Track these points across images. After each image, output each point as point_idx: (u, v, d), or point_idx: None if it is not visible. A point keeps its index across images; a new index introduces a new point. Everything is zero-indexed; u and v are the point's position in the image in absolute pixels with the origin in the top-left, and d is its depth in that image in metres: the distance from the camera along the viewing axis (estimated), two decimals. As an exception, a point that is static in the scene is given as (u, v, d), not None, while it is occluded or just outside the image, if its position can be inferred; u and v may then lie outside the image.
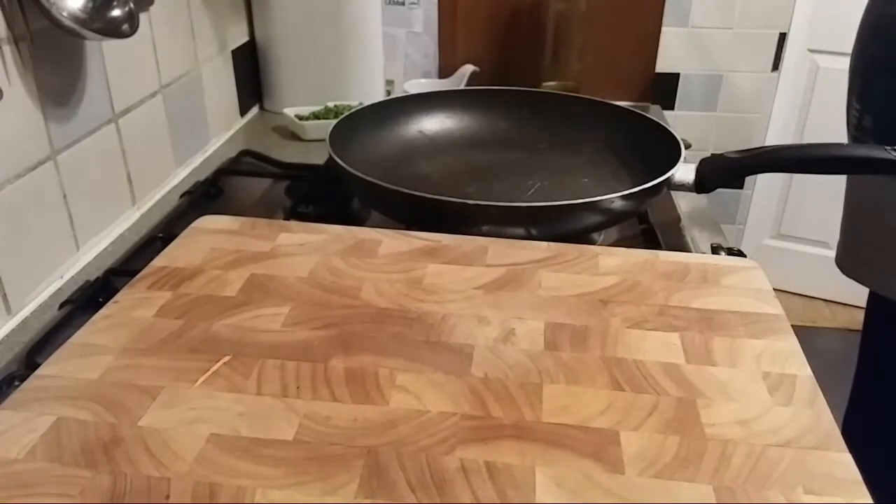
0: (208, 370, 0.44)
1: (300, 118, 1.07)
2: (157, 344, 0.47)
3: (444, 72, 1.35)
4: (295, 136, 1.08)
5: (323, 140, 0.75)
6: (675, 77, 1.60)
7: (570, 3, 1.22)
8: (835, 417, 0.41)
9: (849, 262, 0.93)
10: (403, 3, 1.29)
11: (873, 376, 0.96)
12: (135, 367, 0.44)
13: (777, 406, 0.42)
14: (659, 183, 0.66)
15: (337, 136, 0.75)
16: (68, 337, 0.48)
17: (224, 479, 0.36)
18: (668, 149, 0.73)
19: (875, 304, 0.94)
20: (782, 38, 1.60)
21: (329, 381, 0.43)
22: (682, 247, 0.75)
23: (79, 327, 0.49)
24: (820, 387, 0.43)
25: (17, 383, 0.48)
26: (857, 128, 0.83)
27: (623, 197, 0.65)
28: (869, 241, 0.89)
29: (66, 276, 0.69)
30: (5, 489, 0.36)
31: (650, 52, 1.40)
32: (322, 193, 0.83)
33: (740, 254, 0.69)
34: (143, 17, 0.78)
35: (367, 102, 0.89)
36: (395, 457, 0.38)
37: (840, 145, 0.67)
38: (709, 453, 0.38)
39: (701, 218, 0.83)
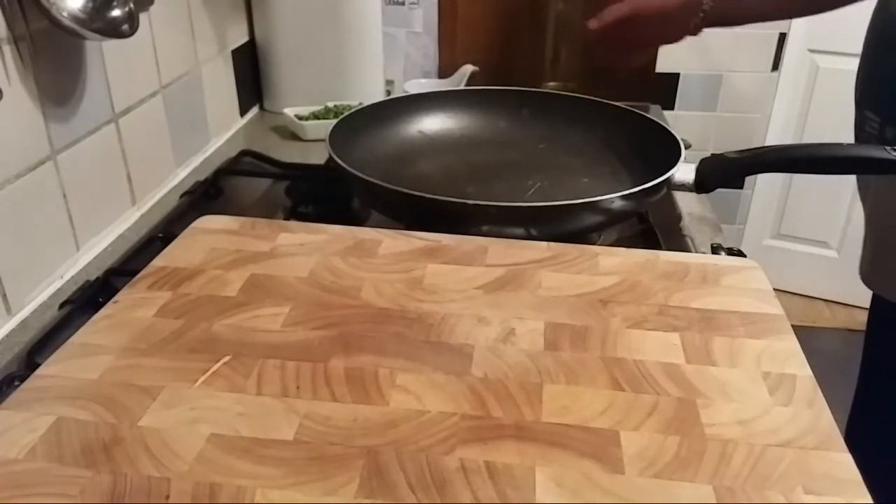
0: (208, 370, 0.44)
1: (300, 118, 1.07)
2: (157, 344, 0.47)
3: (444, 72, 1.35)
4: (295, 136, 1.08)
5: (323, 140, 0.75)
6: (675, 77, 1.60)
7: (570, 3, 1.22)
8: (835, 418, 0.41)
9: (877, 277, 0.89)
10: (403, 3, 1.29)
11: (878, 377, 0.96)
12: (135, 367, 0.44)
13: (777, 406, 0.42)
14: (659, 183, 0.66)
15: (337, 136, 0.75)
16: (68, 337, 0.48)
17: (224, 479, 0.36)
18: (668, 149, 0.73)
19: (879, 307, 0.93)
20: (782, 38, 1.60)
21: (329, 381, 0.43)
22: (682, 247, 0.75)
23: (79, 327, 0.49)
24: (820, 387, 0.43)
25: (17, 383, 0.48)
26: (878, 140, 0.79)
27: (623, 197, 0.65)
28: None
29: (66, 276, 0.69)
30: (5, 489, 0.36)
31: (650, 52, 1.40)
32: (322, 193, 0.83)
33: (740, 254, 0.69)
34: (143, 17, 0.78)
35: (367, 102, 0.89)
36: (395, 457, 0.38)
37: (840, 145, 0.67)
38: (709, 453, 0.38)
39: (701, 218, 0.83)
